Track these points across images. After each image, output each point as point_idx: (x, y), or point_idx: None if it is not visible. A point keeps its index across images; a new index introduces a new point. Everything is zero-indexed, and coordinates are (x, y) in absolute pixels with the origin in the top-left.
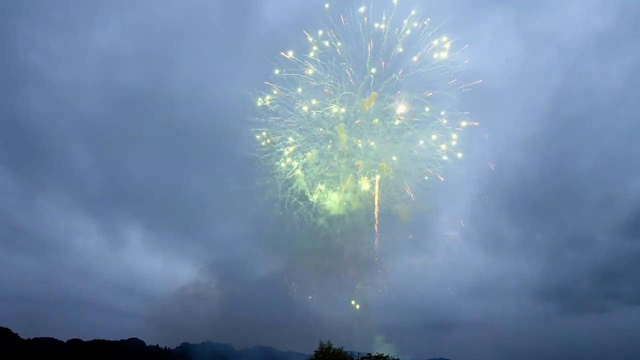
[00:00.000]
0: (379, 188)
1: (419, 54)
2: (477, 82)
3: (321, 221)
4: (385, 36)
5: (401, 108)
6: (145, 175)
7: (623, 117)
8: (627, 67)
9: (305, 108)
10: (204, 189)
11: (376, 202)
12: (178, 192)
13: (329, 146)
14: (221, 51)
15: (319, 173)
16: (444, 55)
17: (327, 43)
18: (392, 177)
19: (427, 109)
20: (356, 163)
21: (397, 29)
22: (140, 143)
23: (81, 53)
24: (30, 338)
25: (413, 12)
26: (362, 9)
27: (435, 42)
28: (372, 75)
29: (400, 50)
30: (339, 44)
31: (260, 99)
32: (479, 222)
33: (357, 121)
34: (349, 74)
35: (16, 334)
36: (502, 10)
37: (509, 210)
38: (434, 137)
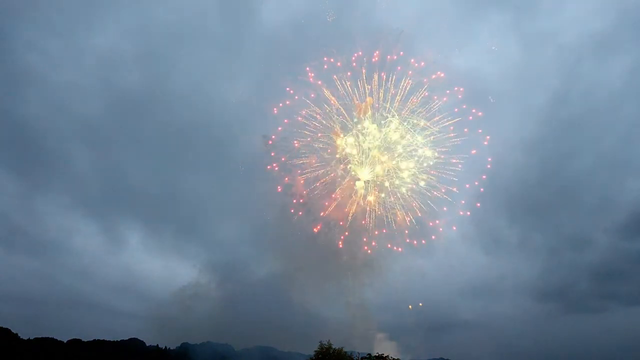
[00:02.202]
0: (374, 191)
1: (417, 56)
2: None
3: (320, 223)
4: (383, 39)
5: (397, 112)
6: (145, 176)
7: (621, 119)
8: (625, 69)
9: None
10: (204, 189)
11: (373, 207)
12: (178, 193)
13: (327, 152)
14: (220, 53)
15: (319, 178)
16: (442, 56)
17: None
18: (389, 182)
19: (424, 111)
20: (353, 168)
21: (395, 32)
22: (140, 144)
23: (80, 55)
24: (30, 338)
25: (412, 14)
26: (358, 13)
27: (431, 48)
28: (368, 85)
29: (399, 53)
30: (334, 50)
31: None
32: (478, 222)
33: (352, 126)
34: (346, 80)
35: (16, 334)
36: (501, 11)
37: (508, 211)
38: (432, 139)
